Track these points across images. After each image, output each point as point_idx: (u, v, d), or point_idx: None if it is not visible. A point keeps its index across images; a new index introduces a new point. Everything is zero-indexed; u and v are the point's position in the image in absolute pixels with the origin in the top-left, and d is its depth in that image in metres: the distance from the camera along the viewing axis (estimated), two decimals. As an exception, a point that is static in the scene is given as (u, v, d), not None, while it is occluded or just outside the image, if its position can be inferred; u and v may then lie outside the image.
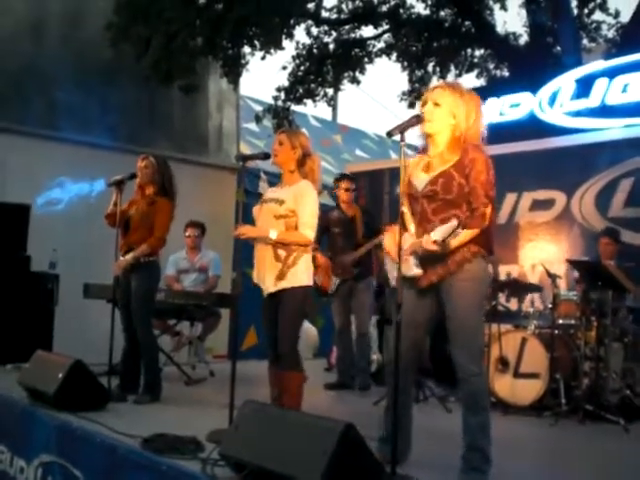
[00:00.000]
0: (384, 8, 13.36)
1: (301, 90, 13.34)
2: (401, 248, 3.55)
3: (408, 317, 3.65)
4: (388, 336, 6.41)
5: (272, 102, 13.30)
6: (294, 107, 13.49)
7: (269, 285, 4.46)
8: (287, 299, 4.42)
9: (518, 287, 6.77)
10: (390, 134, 3.64)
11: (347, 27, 13.53)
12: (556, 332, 6.08)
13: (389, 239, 3.89)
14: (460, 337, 3.69)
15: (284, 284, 4.42)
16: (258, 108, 13.81)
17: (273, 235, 4.39)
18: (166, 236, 5.79)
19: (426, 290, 3.76)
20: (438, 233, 3.42)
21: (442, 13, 13.58)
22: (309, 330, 10.19)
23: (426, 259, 3.65)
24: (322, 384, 7.02)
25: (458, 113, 3.75)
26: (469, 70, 14.44)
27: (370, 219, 7.05)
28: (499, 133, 8.86)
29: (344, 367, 7.12)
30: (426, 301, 3.80)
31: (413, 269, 3.66)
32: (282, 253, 4.44)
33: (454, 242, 3.53)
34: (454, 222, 3.40)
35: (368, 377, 6.91)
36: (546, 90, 8.92)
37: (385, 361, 4.10)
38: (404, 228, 3.71)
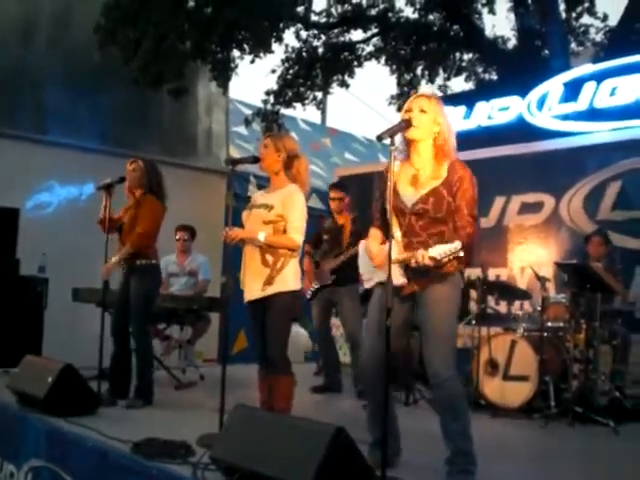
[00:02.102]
0: (373, 12, 13.40)
1: (290, 94, 13.35)
2: (390, 256, 3.55)
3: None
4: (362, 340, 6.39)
5: (261, 105, 13.31)
6: (283, 110, 13.50)
7: (256, 290, 4.45)
8: (276, 304, 4.42)
9: (506, 291, 6.79)
10: (380, 138, 3.64)
11: (336, 31, 13.54)
12: (545, 335, 6.11)
13: (375, 245, 3.91)
14: (435, 343, 3.72)
15: (272, 289, 4.41)
16: (247, 111, 13.80)
17: (261, 237, 4.39)
18: (152, 232, 5.74)
19: (405, 297, 3.79)
20: (437, 251, 3.42)
21: (431, 17, 13.61)
22: (300, 334, 10.18)
23: (410, 269, 3.68)
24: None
25: (441, 122, 3.79)
26: (457, 74, 14.49)
27: (359, 228, 6.72)
28: (488, 136, 8.93)
29: (330, 371, 7.13)
30: (403, 307, 3.82)
31: (399, 278, 3.68)
32: (270, 258, 4.43)
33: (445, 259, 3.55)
34: (458, 244, 3.40)
35: None
36: (534, 94, 8.96)
37: (361, 365, 4.11)
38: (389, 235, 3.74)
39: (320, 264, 6.93)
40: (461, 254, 3.45)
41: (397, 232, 3.80)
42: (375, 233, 3.97)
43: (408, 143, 3.84)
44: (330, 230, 7.02)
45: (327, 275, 6.83)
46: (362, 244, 4.11)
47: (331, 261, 6.82)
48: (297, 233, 4.45)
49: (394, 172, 3.71)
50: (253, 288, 4.47)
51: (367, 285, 4.01)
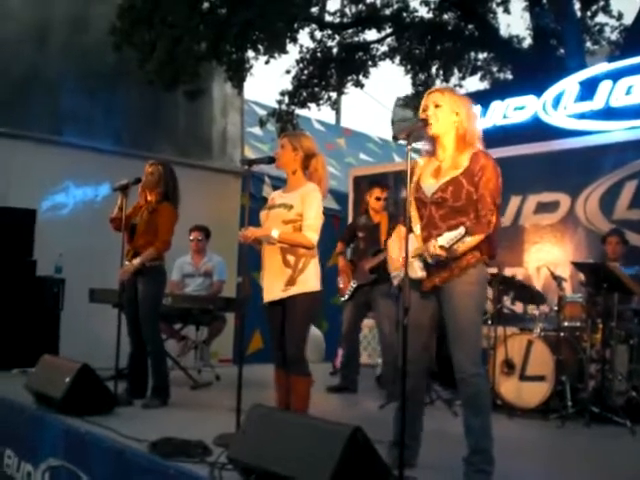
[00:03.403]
0: (387, 12, 13.38)
1: (305, 94, 13.36)
2: (407, 251, 3.56)
3: (414, 320, 3.65)
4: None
5: (276, 106, 13.32)
6: (298, 111, 13.50)
7: (278, 291, 4.42)
8: (297, 304, 4.39)
9: (522, 291, 6.75)
10: (396, 138, 3.63)
11: (350, 31, 13.55)
12: (562, 334, 6.08)
13: (394, 240, 3.91)
14: (460, 338, 3.69)
15: (294, 290, 4.39)
16: (262, 112, 13.82)
17: (275, 234, 4.35)
18: (171, 239, 5.79)
19: (428, 292, 3.78)
20: (444, 239, 3.43)
21: (445, 16, 13.59)
22: (315, 335, 10.17)
23: (430, 263, 3.67)
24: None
25: (460, 111, 3.78)
26: (473, 73, 14.45)
27: (395, 225, 6.75)
28: (503, 136, 8.89)
29: (348, 372, 7.11)
30: (428, 303, 3.81)
31: (418, 272, 3.68)
32: (291, 258, 4.41)
33: (460, 248, 3.54)
34: (461, 230, 3.40)
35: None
36: (550, 93, 8.93)
37: (394, 364, 4.10)
38: (410, 231, 3.73)
39: (357, 262, 6.88)
40: (467, 239, 3.46)
41: (417, 226, 3.80)
42: (400, 229, 3.97)
43: (433, 139, 3.84)
44: (365, 228, 6.94)
45: (366, 274, 6.77)
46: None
47: (370, 260, 6.75)
48: (312, 231, 4.42)
49: (420, 167, 3.71)
50: (274, 288, 4.44)
51: (395, 282, 3.99)
